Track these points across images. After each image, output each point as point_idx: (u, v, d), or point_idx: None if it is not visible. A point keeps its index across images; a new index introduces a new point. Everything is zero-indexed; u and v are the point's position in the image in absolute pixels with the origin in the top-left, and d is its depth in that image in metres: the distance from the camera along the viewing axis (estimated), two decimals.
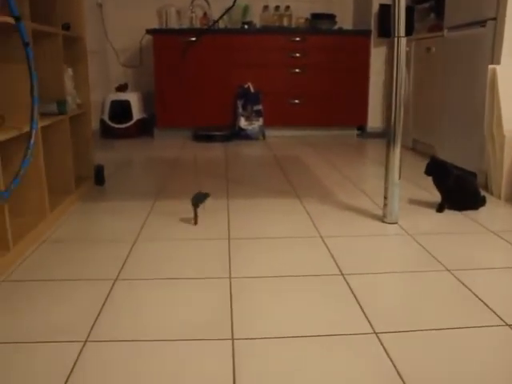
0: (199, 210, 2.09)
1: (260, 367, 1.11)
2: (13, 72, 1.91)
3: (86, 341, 1.21)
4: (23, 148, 1.79)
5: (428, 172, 2.32)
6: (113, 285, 1.53)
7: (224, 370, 1.10)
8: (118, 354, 1.16)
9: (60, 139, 2.37)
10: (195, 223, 2.08)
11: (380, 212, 2.24)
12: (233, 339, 1.22)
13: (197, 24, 4.84)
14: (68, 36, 2.45)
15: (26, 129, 1.84)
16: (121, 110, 4.62)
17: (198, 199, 2.09)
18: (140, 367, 1.11)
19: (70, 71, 2.51)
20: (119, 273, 1.61)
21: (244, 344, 1.20)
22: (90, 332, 1.25)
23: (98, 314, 1.34)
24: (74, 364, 1.11)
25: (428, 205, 2.39)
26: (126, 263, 1.69)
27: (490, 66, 2.59)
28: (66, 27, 2.43)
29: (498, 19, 2.64)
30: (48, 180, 2.15)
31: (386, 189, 2.10)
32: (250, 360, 1.13)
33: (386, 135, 2.08)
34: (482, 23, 2.78)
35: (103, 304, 1.40)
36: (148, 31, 4.48)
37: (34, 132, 1.77)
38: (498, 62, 2.62)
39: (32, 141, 1.75)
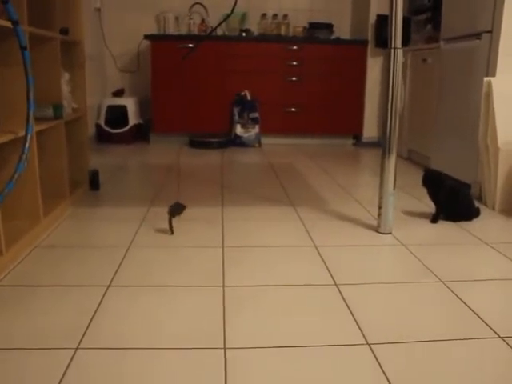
0: (175, 219, 2.12)
1: (252, 377, 1.10)
2: (9, 75, 1.90)
3: (77, 348, 1.20)
4: (18, 152, 1.78)
5: (425, 183, 2.32)
6: (105, 291, 1.52)
7: (216, 379, 1.09)
8: (109, 362, 1.15)
9: (55, 144, 2.36)
10: (171, 233, 2.07)
11: (374, 222, 2.24)
12: (225, 348, 1.21)
13: (195, 31, 4.85)
14: (66, 40, 2.45)
15: (22, 133, 1.83)
16: (117, 115, 4.62)
17: (175, 209, 2.11)
18: (132, 376, 1.10)
19: (66, 75, 2.51)
20: (112, 279, 1.61)
21: (236, 354, 1.19)
22: (81, 339, 1.24)
23: (90, 321, 1.33)
24: (65, 372, 1.10)
25: (422, 215, 2.40)
26: (119, 270, 1.69)
27: (485, 79, 2.61)
28: (64, 32, 2.43)
29: (493, 32, 2.66)
30: (42, 184, 2.13)
31: (380, 198, 2.10)
32: (241, 370, 1.13)
33: (382, 144, 2.08)
34: (478, 36, 2.80)
35: (95, 311, 1.39)
36: (146, 37, 4.49)
37: (29, 136, 1.76)
38: (494, 75, 2.64)
39: (27, 145, 1.75)
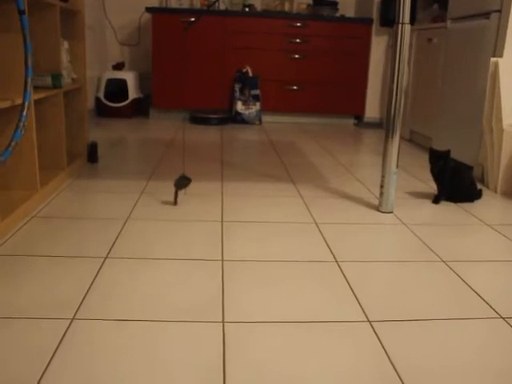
0: (180, 193, 2.14)
1: (250, 351, 1.09)
2: (7, 42, 1.86)
3: (72, 318, 1.18)
4: (16, 120, 1.75)
5: (431, 160, 2.28)
6: (102, 263, 1.50)
7: (214, 353, 1.08)
8: (104, 334, 1.13)
9: (54, 114, 2.32)
10: (175, 203, 2.09)
11: (375, 201, 2.22)
12: (223, 322, 1.20)
13: (197, 4, 4.76)
14: (66, 8, 2.38)
15: (19, 100, 1.79)
16: (117, 89, 4.56)
17: (181, 183, 2.11)
18: (127, 347, 1.08)
19: (66, 44, 2.46)
20: (109, 251, 1.58)
21: (235, 327, 1.18)
22: (77, 310, 1.22)
23: (87, 292, 1.32)
24: (60, 342, 1.09)
25: (424, 196, 2.37)
26: (116, 242, 1.66)
27: (492, 59, 2.56)
28: None
29: (502, 11, 2.60)
30: (40, 155, 2.10)
31: (382, 177, 2.08)
32: (240, 344, 1.11)
33: (385, 123, 2.05)
34: (486, 15, 2.74)
35: (92, 282, 1.37)
36: (148, 9, 4.40)
37: (26, 104, 1.72)
38: (501, 55, 2.59)
39: (24, 113, 1.71)
